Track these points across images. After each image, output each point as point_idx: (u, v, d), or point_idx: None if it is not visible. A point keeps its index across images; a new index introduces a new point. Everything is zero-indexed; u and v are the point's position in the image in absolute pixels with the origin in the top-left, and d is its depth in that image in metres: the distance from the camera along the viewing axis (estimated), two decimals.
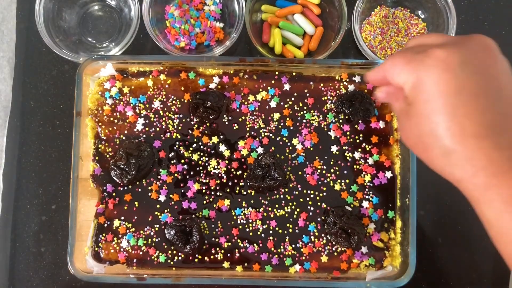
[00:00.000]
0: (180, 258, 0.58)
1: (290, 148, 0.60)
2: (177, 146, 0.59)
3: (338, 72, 0.61)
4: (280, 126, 0.60)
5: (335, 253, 0.58)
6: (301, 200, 0.59)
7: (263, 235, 0.58)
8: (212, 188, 0.59)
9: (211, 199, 0.59)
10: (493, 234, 0.35)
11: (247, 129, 0.60)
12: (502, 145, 0.32)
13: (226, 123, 0.60)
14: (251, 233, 0.58)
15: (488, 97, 0.33)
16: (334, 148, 0.59)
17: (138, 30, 0.65)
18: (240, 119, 0.60)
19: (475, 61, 0.34)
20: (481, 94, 0.33)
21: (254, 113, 0.60)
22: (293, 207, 0.59)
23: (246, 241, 0.58)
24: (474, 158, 0.33)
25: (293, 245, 0.58)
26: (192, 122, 0.60)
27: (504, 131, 0.33)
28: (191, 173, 0.59)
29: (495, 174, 0.33)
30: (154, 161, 0.59)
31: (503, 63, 0.35)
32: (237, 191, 0.59)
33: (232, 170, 0.59)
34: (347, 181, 0.59)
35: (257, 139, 0.60)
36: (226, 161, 0.59)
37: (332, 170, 0.59)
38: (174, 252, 0.58)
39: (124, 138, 0.60)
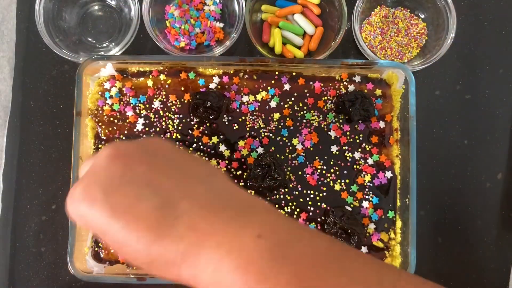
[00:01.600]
0: None
1: (290, 148, 0.60)
2: (177, 146, 0.59)
3: (338, 72, 0.61)
4: (280, 126, 0.60)
5: None
6: (301, 200, 0.59)
7: None
8: None
9: None
10: None
11: (247, 129, 0.60)
12: (179, 232, 0.30)
13: (226, 123, 0.60)
14: None
15: (140, 200, 0.31)
16: (334, 148, 0.59)
17: (138, 30, 0.65)
18: (240, 119, 0.60)
19: (109, 175, 0.33)
20: (133, 201, 0.31)
21: (254, 113, 0.60)
22: (293, 207, 0.59)
23: None
24: (166, 257, 0.30)
25: None
26: (192, 122, 0.60)
27: (174, 219, 0.31)
28: None
29: (189, 265, 0.30)
30: None
31: (146, 153, 0.35)
32: None
33: (232, 170, 0.59)
34: (347, 181, 0.59)
35: (257, 139, 0.60)
36: (226, 161, 0.59)
37: (332, 170, 0.59)
38: None
39: (124, 138, 0.60)
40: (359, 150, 0.60)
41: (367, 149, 0.60)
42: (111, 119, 0.60)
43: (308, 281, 0.28)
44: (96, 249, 0.58)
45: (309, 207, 0.59)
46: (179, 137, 0.60)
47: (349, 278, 0.29)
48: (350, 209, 0.58)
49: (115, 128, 0.60)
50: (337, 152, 0.60)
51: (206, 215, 0.31)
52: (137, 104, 0.60)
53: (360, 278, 0.30)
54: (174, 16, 0.67)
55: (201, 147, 0.60)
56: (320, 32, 0.68)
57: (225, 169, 0.59)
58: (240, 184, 0.59)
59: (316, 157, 0.60)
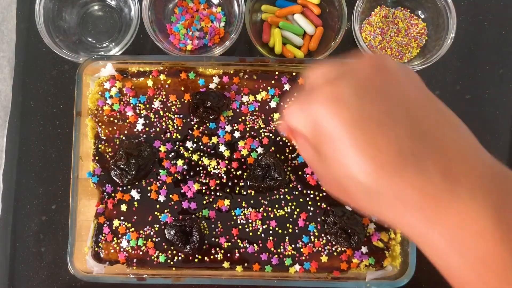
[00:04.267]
0: (180, 258, 0.58)
1: (290, 148, 0.60)
2: (177, 146, 0.60)
3: None
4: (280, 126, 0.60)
5: (335, 253, 0.58)
6: (301, 200, 0.59)
7: (263, 235, 0.58)
8: (212, 188, 0.59)
9: (211, 199, 0.59)
10: (444, 273, 0.30)
11: (247, 129, 0.60)
12: (430, 173, 0.27)
13: (226, 123, 0.60)
14: (251, 233, 0.58)
15: (395, 121, 0.28)
16: None
17: (138, 30, 0.65)
18: (240, 119, 0.60)
19: (369, 86, 0.29)
20: (386, 120, 0.28)
21: (254, 113, 0.60)
22: (293, 207, 0.59)
23: (246, 241, 0.58)
24: (402, 193, 0.27)
25: (293, 245, 0.58)
26: (192, 122, 0.60)
27: (427, 155, 0.27)
28: (191, 173, 0.59)
29: (433, 210, 0.27)
30: (154, 161, 0.59)
31: (410, 79, 0.31)
32: (237, 191, 0.59)
33: (232, 170, 0.59)
34: None
35: (257, 139, 0.60)
36: (226, 161, 0.59)
37: None
38: (174, 252, 0.58)
39: (124, 138, 0.60)
40: None
41: None
42: (111, 119, 0.60)
43: None
44: (96, 249, 0.58)
45: (309, 207, 0.59)
46: (179, 137, 0.60)
47: None
48: (350, 209, 0.58)
49: (115, 128, 0.60)
50: None
51: (460, 164, 0.28)
52: (137, 104, 0.60)
53: None
54: (175, 16, 0.68)
55: (201, 147, 0.60)
56: (320, 32, 0.68)
57: (225, 169, 0.59)
58: (240, 184, 0.59)
59: None
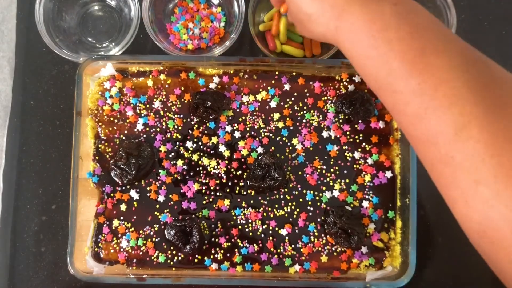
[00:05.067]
0: (180, 258, 0.58)
1: (290, 148, 0.60)
2: (177, 146, 0.60)
3: (338, 72, 0.61)
4: (280, 126, 0.60)
5: (335, 253, 0.58)
6: (301, 200, 0.59)
7: (262, 235, 0.58)
8: (212, 188, 0.59)
9: (211, 199, 0.59)
10: (354, 64, 0.42)
11: (247, 129, 0.60)
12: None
13: (226, 123, 0.60)
14: (250, 233, 0.58)
15: None
16: (334, 148, 0.59)
17: (138, 30, 0.65)
18: (240, 119, 0.60)
19: None
20: None
21: (254, 113, 0.60)
22: (293, 207, 0.59)
23: (246, 241, 0.58)
24: (325, 10, 0.41)
25: (293, 245, 0.58)
26: (192, 122, 0.60)
27: None
28: (191, 173, 0.59)
29: (340, 12, 0.40)
30: (154, 161, 0.59)
31: None
32: (237, 191, 0.59)
33: (232, 170, 0.59)
34: (347, 180, 0.59)
35: (257, 139, 0.60)
36: (226, 161, 0.59)
37: (332, 170, 0.59)
38: (174, 252, 0.58)
39: (124, 138, 0.60)
40: (359, 150, 0.60)
41: (367, 149, 0.60)
42: (111, 119, 0.60)
43: (423, 33, 0.38)
44: (96, 249, 0.58)
45: (309, 207, 0.59)
46: (179, 137, 0.60)
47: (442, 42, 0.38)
48: (350, 209, 0.58)
49: (115, 128, 0.60)
50: (337, 152, 0.60)
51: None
52: (137, 104, 0.60)
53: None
54: (175, 16, 0.68)
55: (201, 147, 0.60)
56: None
57: (225, 169, 0.59)
58: (240, 184, 0.59)
59: (316, 157, 0.60)
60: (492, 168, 0.33)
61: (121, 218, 0.59)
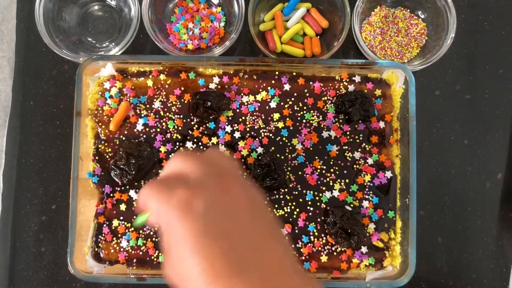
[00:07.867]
0: None
1: (290, 148, 0.60)
2: (177, 146, 0.60)
3: (338, 72, 0.61)
4: (280, 126, 0.60)
5: (335, 253, 0.58)
6: (301, 200, 0.59)
7: None
8: None
9: None
10: None
11: (247, 129, 0.60)
12: (252, 280, 0.32)
13: (226, 123, 0.60)
14: None
15: (232, 237, 0.34)
16: (334, 148, 0.59)
17: (138, 30, 0.65)
18: (240, 119, 0.60)
19: (217, 202, 0.35)
20: (225, 235, 0.34)
21: (254, 113, 0.60)
22: (292, 207, 0.59)
23: None
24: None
25: (293, 245, 0.58)
26: (192, 123, 0.60)
27: (254, 266, 0.33)
28: None
29: None
30: (154, 161, 0.59)
31: (248, 198, 0.36)
32: None
33: None
34: (347, 181, 0.59)
35: (257, 139, 0.60)
36: None
37: (332, 170, 0.59)
38: None
39: (124, 138, 0.60)
40: (359, 150, 0.60)
41: (367, 149, 0.60)
42: (111, 119, 0.60)
43: None
44: (96, 249, 0.58)
45: (309, 207, 0.59)
46: (179, 137, 0.60)
47: None
48: (350, 209, 0.58)
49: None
50: (337, 152, 0.60)
51: (276, 275, 0.34)
52: (137, 104, 0.60)
53: None
54: (175, 16, 0.67)
55: (201, 147, 0.60)
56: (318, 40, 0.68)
57: None
58: None
59: (316, 157, 0.60)
60: None
61: (121, 218, 0.59)
